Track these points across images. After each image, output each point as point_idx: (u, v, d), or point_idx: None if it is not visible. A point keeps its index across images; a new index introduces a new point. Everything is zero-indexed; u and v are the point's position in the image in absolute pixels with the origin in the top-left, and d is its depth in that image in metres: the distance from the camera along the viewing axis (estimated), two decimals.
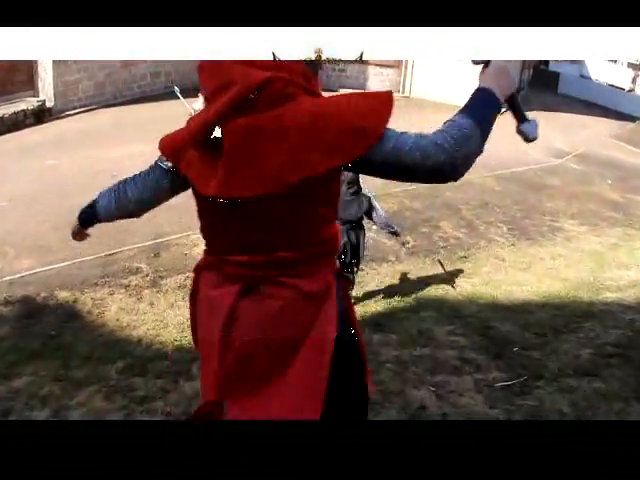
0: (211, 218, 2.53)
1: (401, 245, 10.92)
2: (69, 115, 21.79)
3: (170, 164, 2.53)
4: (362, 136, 2.24)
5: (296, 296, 2.46)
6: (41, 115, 20.96)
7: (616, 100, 38.50)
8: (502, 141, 5.48)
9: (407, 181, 2.51)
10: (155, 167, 2.68)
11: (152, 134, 4.28)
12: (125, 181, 2.84)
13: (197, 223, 2.77)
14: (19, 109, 20.19)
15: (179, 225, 10.33)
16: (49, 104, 21.74)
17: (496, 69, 2.49)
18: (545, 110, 27.96)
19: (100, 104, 23.25)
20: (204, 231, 2.65)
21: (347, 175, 7.84)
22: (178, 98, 8.66)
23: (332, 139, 2.23)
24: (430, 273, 9.97)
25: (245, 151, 2.22)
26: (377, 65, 29.25)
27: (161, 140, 2.49)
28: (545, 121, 26.54)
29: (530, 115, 2.73)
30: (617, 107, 37.15)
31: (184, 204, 3.57)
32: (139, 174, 2.78)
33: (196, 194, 2.49)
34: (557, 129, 23.88)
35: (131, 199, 2.77)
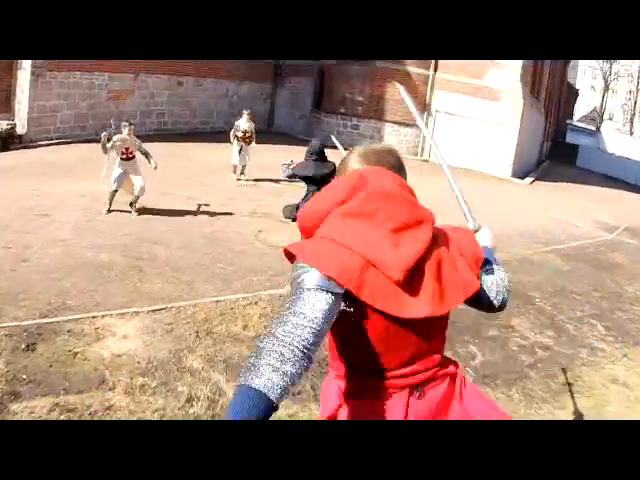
0: (385, 338, 2.42)
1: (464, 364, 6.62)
2: (40, 145, 19.37)
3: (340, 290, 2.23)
4: (476, 263, 2.61)
5: (450, 384, 2.61)
6: (8, 141, 18.66)
7: (634, 172, 38.49)
8: (543, 212, 5.73)
9: (472, 306, 2.79)
10: (323, 296, 2.20)
11: None
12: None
13: (111, 299, 4.50)
14: None
15: (88, 297, 7.50)
16: (20, 130, 19.28)
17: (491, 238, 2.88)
18: (569, 182, 27.67)
19: (79, 138, 20.64)
20: (363, 356, 2.45)
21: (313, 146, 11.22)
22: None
23: (469, 266, 2.54)
24: (523, 415, 6.02)
25: (444, 275, 2.42)
26: (394, 123, 27.17)
27: (326, 266, 2.22)
28: (574, 193, 25.87)
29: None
30: (637, 181, 37.14)
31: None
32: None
33: (359, 322, 2.37)
34: (591, 201, 23.17)
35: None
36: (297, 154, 12.49)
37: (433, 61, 26.79)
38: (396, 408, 2.44)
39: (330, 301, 2.17)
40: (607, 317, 9.42)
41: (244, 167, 16.98)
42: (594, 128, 68.61)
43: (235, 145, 16.87)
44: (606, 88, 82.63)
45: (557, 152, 36.51)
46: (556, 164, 32.20)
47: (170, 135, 22.89)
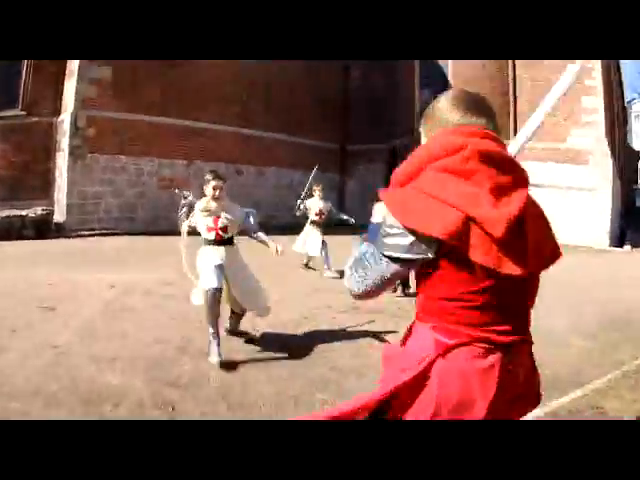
0: (481, 293, 2.44)
1: None
2: (82, 235, 17.63)
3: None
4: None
5: (530, 353, 2.67)
6: (43, 228, 16.99)
7: None
8: None
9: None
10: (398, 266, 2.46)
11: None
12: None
13: None
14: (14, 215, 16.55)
15: None
16: (58, 218, 17.60)
17: None
18: None
19: (127, 230, 18.86)
20: (461, 308, 2.48)
21: None
22: None
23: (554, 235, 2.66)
24: None
25: (537, 237, 2.47)
26: None
27: (426, 226, 2.31)
28: None
29: None
30: None
31: None
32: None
33: (461, 272, 2.41)
34: None
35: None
36: None
37: (512, 128, 24.60)
38: (490, 362, 2.43)
39: (404, 269, 2.40)
40: None
41: (327, 256, 13.32)
42: None
43: (309, 230, 13.65)
44: None
45: (632, 219, 32.77)
46: (635, 231, 29.08)
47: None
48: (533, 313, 2.67)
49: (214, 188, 7.12)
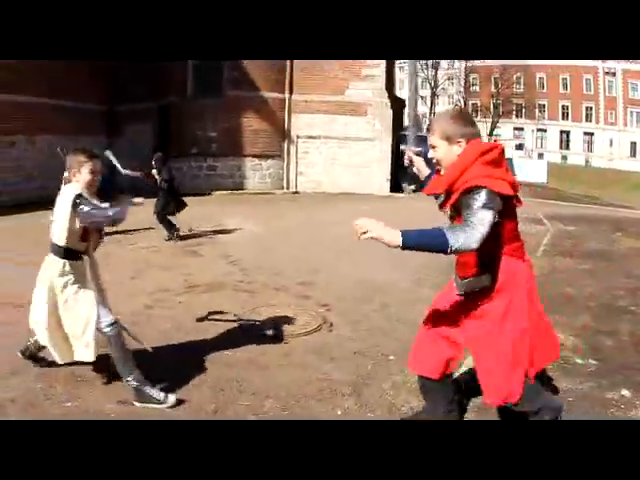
0: (515, 227, 3.84)
1: None
2: None
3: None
4: None
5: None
6: None
7: None
8: None
9: None
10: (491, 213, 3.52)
11: None
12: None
13: None
14: None
15: None
16: None
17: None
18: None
19: None
20: (514, 237, 3.84)
21: None
22: None
23: None
24: None
25: None
26: (255, 157, 25.04)
27: (503, 185, 3.53)
28: None
29: None
30: None
31: None
32: None
33: (511, 218, 3.74)
34: None
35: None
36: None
37: (288, 83, 25.10)
38: (526, 268, 3.88)
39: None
40: None
41: None
42: (426, 135, 55.03)
43: None
44: (434, 94, 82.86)
45: (402, 165, 36.01)
46: (404, 176, 30.22)
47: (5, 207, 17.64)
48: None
49: (92, 173, 4.93)
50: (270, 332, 6.54)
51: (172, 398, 4.85)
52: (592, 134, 77.08)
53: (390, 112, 25.58)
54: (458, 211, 3.59)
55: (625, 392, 5.37)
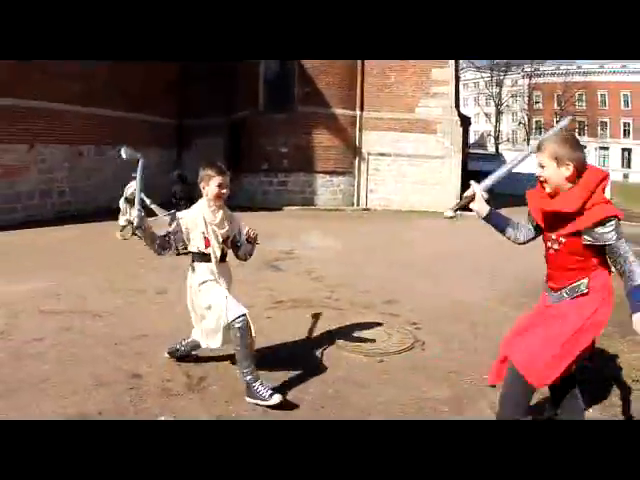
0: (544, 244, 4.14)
1: None
2: None
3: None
4: None
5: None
6: None
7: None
8: None
9: None
10: (527, 219, 4.30)
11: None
12: (515, 223, 4.38)
13: None
14: None
15: None
16: None
17: None
18: (508, 207, 26.83)
19: None
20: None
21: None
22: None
23: None
24: None
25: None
26: (326, 173, 25.05)
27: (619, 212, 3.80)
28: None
29: None
30: None
31: None
32: (520, 223, 4.38)
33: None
34: None
35: (520, 239, 4.37)
36: None
37: (359, 100, 25.26)
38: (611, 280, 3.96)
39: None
40: None
41: None
42: (492, 152, 70.15)
43: None
44: (498, 112, 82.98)
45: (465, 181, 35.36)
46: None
47: (73, 217, 18.53)
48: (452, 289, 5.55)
49: (220, 187, 5.19)
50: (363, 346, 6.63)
51: (276, 398, 4.96)
52: None
53: (460, 130, 25.52)
54: (575, 234, 3.77)
55: None
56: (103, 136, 20.89)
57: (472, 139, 73.04)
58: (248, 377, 5.06)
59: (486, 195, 4.39)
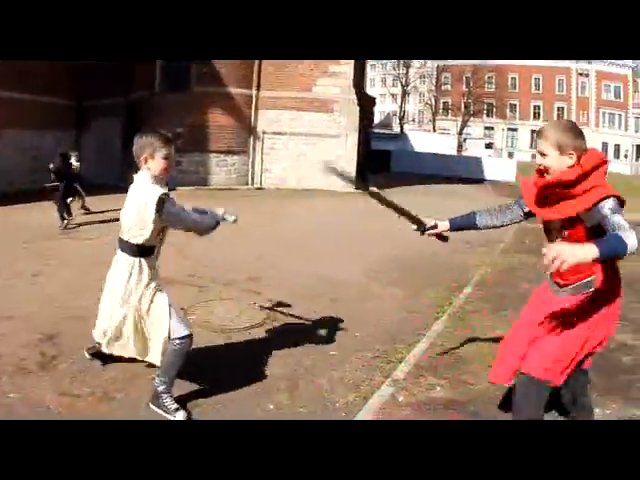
0: (545, 237, 4.07)
1: None
2: None
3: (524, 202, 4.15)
4: None
5: None
6: None
7: (443, 167, 41.12)
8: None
9: None
10: (514, 203, 4.28)
11: None
12: (499, 209, 4.37)
13: None
14: None
15: None
16: None
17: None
18: (404, 185, 28.46)
19: None
20: None
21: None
22: None
23: None
24: None
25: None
26: (220, 152, 24.77)
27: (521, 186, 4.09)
28: (431, 193, 25.75)
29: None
30: (444, 172, 39.66)
31: None
32: (500, 208, 4.37)
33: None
34: (451, 198, 22.12)
35: (497, 223, 4.37)
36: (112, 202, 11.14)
37: (255, 79, 25.00)
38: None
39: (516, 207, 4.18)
40: None
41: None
42: (397, 132, 71.05)
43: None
44: (405, 92, 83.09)
45: (367, 160, 34.55)
46: (371, 173, 32.43)
47: None
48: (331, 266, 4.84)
49: (167, 159, 4.51)
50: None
51: (181, 415, 4.62)
52: None
53: (357, 109, 25.51)
54: (574, 220, 3.70)
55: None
56: None
57: (378, 119, 73.07)
58: (162, 387, 4.66)
59: (433, 222, 4.44)
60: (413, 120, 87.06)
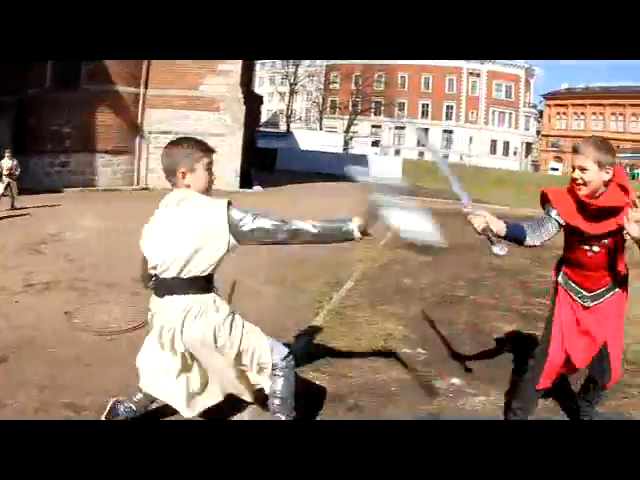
0: (573, 247, 4.24)
1: None
2: None
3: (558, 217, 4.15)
4: None
5: None
6: None
7: (329, 165, 40.41)
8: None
9: None
10: (548, 219, 4.21)
11: None
12: (529, 226, 4.23)
13: None
14: None
15: None
16: None
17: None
18: (288, 183, 29.08)
19: None
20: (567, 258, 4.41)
21: None
22: None
23: None
24: None
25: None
26: (106, 152, 24.49)
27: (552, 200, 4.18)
28: (314, 191, 26.34)
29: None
30: (330, 170, 38.51)
31: None
32: (535, 224, 4.24)
33: (568, 233, 4.23)
34: (338, 196, 22.79)
35: (537, 243, 4.23)
36: None
37: (144, 77, 24.81)
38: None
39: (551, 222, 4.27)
40: None
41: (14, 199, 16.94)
42: (283, 131, 71.45)
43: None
44: (292, 91, 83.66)
45: (253, 159, 35.72)
46: (257, 171, 32.97)
47: None
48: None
49: (210, 169, 3.93)
50: None
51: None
52: (451, 132, 79.91)
53: (243, 108, 25.70)
54: (615, 233, 3.99)
55: (455, 380, 5.71)
56: None
57: (265, 118, 73.93)
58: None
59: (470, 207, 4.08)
60: (300, 119, 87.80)
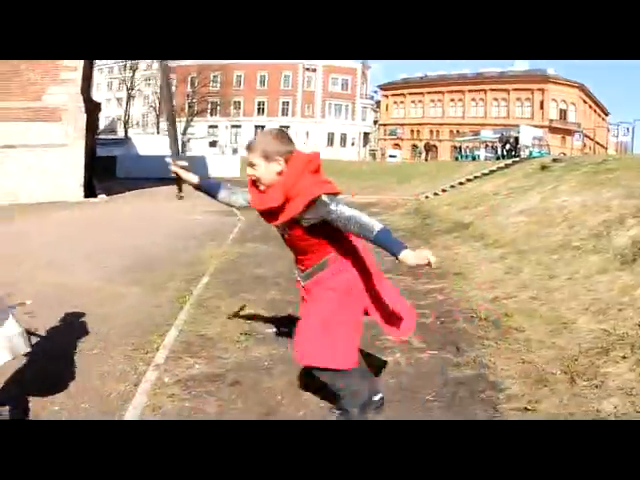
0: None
1: None
2: None
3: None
4: None
5: None
6: None
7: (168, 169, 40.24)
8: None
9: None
10: (243, 192, 4.45)
11: None
12: (229, 188, 4.57)
13: None
14: None
15: None
16: None
17: None
18: (134, 189, 29.47)
19: None
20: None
21: None
22: None
23: None
24: None
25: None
26: None
27: (333, 187, 3.96)
28: (158, 196, 26.00)
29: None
30: (170, 174, 39.07)
31: None
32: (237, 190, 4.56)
33: None
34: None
35: (236, 204, 4.53)
36: None
37: None
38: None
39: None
40: None
41: None
42: (121, 137, 70.49)
43: None
44: (129, 96, 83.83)
45: (95, 169, 34.78)
46: (99, 180, 32.22)
47: None
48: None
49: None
50: None
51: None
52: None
53: (84, 116, 25.41)
54: (294, 222, 3.96)
55: None
56: None
57: (103, 125, 71.96)
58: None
59: (183, 162, 4.63)
60: (137, 124, 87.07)
